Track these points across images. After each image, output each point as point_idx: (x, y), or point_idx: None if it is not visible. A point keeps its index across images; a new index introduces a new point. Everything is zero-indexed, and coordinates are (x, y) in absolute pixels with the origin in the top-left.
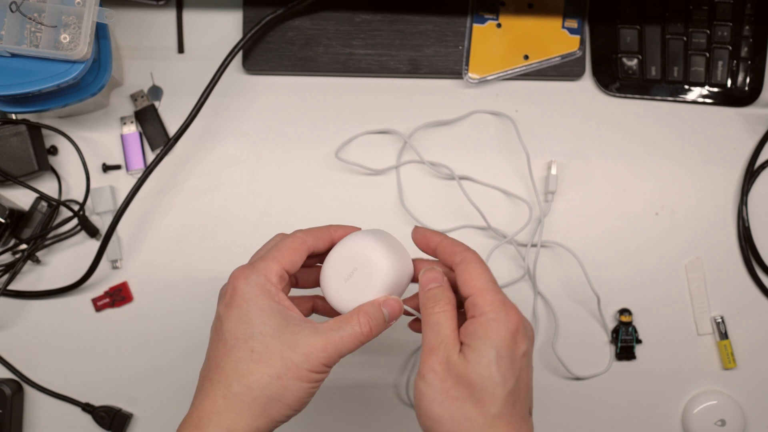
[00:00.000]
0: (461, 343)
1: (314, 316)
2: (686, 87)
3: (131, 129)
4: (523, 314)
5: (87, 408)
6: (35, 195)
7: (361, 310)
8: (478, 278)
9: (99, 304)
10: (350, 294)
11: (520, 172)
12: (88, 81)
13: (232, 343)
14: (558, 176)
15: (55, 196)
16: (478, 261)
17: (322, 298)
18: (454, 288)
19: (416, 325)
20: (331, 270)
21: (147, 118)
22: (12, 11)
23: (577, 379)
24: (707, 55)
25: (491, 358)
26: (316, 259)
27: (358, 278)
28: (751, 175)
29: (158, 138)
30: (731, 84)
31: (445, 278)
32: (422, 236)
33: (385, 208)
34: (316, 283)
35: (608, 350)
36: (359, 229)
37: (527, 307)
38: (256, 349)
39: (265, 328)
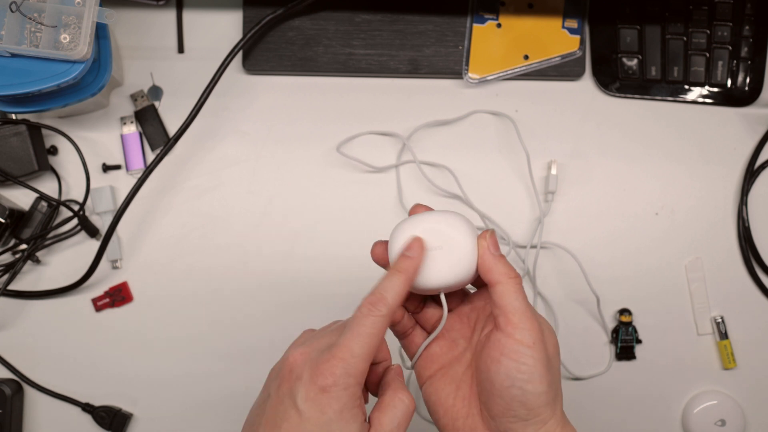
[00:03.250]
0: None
1: None
2: (686, 87)
3: (131, 129)
4: (538, 316)
5: (87, 408)
6: (35, 195)
7: (397, 397)
8: (515, 308)
9: (99, 304)
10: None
11: (520, 172)
12: (88, 81)
13: None
14: (558, 176)
15: (55, 196)
16: (514, 285)
17: None
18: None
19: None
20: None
21: (147, 118)
22: (12, 11)
23: (577, 379)
24: (707, 55)
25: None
26: None
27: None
28: (751, 175)
29: (158, 138)
30: (731, 84)
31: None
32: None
33: (386, 208)
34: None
35: (608, 350)
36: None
37: None
38: None
39: None
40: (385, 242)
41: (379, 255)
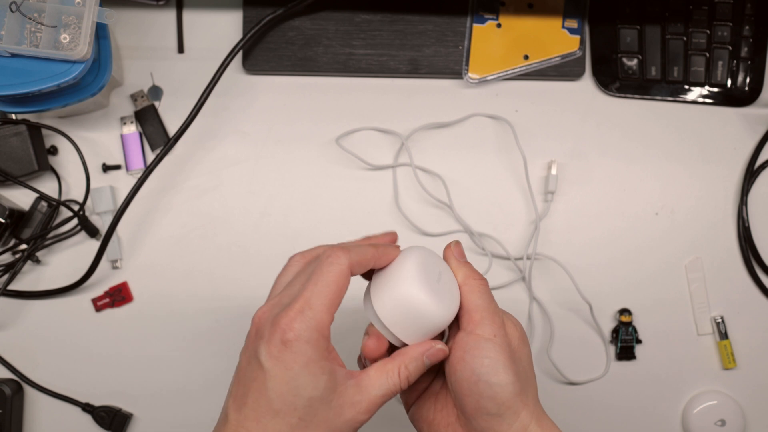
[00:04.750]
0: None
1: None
2: (686, 87)
3: (131, 129)
4: (502, 312)
5: (87, 408)
6: (35, 195)
7: (402, 364)
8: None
9: (99, 304)
10: (442, 295)
11: (518, 175)
12: (88, 81)
13: (278, 406)
14: (558, 176)
15: (55, 196)
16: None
17: None
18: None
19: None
20: (416, 271)
21: (147, 118)
22: (12, 11)
23: (573, 384)
24: (707, 55)
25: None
26: None
27: (445, 283)
28: (751, 175)
29: (158, 138)
30: (731, 84)
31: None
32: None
33: (384, 210)
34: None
35: (606, 355)
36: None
37: (522, 312)
38: (305, 417)
39: (315, 393)
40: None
41: (371, 349)
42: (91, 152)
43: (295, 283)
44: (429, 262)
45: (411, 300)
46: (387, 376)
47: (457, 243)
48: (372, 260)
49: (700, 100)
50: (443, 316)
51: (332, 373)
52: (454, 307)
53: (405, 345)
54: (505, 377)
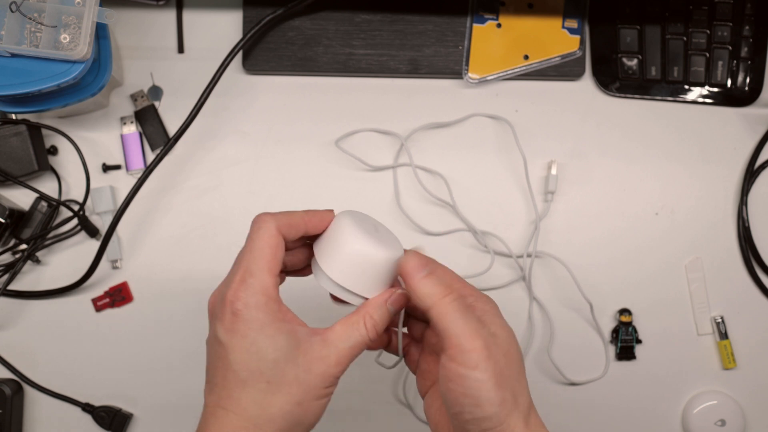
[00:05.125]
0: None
1: (311, 313)
2: (686, 87)
3: (131, 129)
4: (483, 328)
5: (87, 408)
6: (35, 195)
7: (367, 314)
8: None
9: (99, 304)
10: (384, 240)
11: (518, 175)
12: (88, 81)
13: (244, 375)
14: (558, 176)
15: (55, 196)
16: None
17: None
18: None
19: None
20: (355, 226)
21: (147, 118)
22: (12, 11)
23: (573, 384)
24: (707, 55)
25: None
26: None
27: (384, 234)
28: (751, 175)
29: (158, 138)
30: (731, 84)
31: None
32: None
33: (384, 210)
34: (305, 263)
35: (606, 355)
36: (330, 216)
37: (522, 312)
38: (273, 380)
39: (278, 354)
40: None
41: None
42: (91, 152)
43: (235, 261)
44: (363, 219)
45: (357, 250)
46: (353, 327)
47: (414, 254)
48: (302, 223)
49: (700, 100)
50: (391, 256)
51: (291, 332)
52: (399, 248)
53: (366, 300)
54: (489, 409)
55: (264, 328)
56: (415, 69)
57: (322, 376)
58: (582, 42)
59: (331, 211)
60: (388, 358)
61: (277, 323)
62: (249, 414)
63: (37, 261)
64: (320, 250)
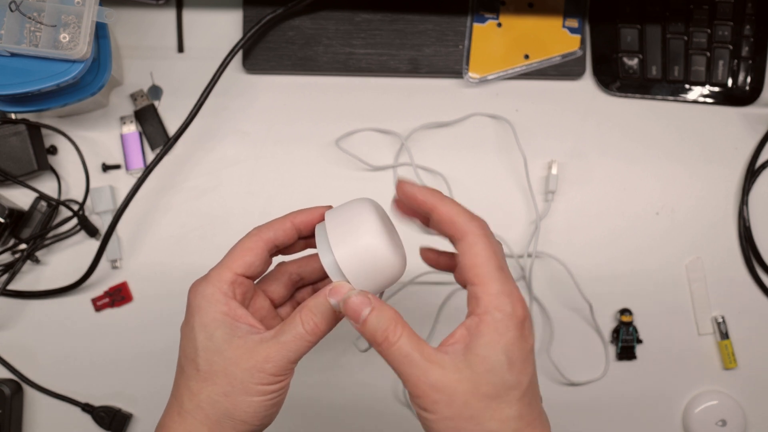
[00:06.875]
0: (466, 346)
1: None
2: (687, 86)
3: (131, 128)
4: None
5: (87, 408)
6: (35, 195)
7: (304, 308)
8: (482, 265)
9: (99, 304)
10: (398, 252)
11: (518, 175)
12: (88, 80)
13: (182, 360)
14: (558, 176)
15: (55, 195)
16: (482, 239)
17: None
18: (450, 266)
19: (430, 255)
20: (379, 223)
21: (147, 117)
22: (11, 10)
23: (573, 384)
24: (708, 54)
25: (503, 363)
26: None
27: (396, 239)
28: (751, 174)
29: (158, 138)
30: (732, 83)
31: (373, 297)
32: (410, 194)
33: (384, 209)
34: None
35: (606, 355)
36: (322, 210)
37: None
38: (201, 367)
39: (209, 344)
40: (414, 185)
41: (409, 200)
42: (90, 152)
43: None
44: (384, 216)
45: (377, 253)
46: (290, 324)
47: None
48: (288, 222)
49: (701, 99)
50: (400, 267)
51: (230, 326)
52: (404, 256)
53: None
54: None
55: (202, 315)
56: (415, 68)
57: (250, 371)
58: (582, 41)
59: (323, 206)
60: (364, 342)
61: (216, 314)
62: (182, 399)
63: (37, 261)
64: (333, 226)
